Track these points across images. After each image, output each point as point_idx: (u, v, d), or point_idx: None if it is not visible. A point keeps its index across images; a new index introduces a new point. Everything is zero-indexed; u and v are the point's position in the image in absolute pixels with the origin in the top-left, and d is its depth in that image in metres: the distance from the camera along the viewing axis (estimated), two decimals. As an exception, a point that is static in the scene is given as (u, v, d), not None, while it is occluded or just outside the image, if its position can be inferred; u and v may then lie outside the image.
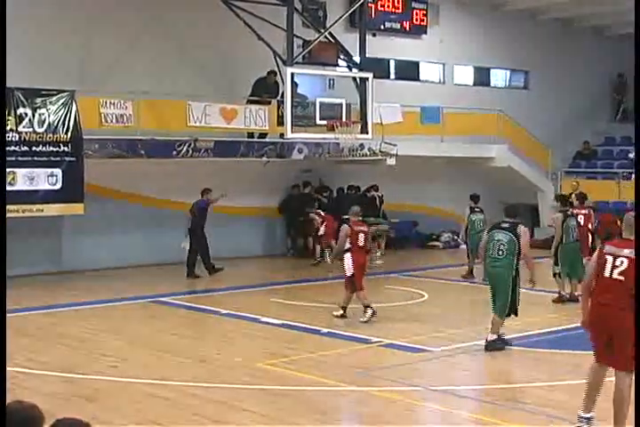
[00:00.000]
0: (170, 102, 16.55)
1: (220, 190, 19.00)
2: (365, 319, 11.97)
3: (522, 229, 10.39)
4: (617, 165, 24.75)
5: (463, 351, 10.43)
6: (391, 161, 19.22)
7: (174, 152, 16.37)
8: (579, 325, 11.91)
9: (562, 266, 13.99)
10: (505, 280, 10.40)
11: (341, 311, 12.28)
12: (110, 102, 15.62)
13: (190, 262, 16.59)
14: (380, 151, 18.95)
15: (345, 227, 12.20)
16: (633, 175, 23.70)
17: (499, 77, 25.26)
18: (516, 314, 10.59)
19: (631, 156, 24.30)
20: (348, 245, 12.08)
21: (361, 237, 12.01)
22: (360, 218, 12.53)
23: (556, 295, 13.91)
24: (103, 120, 15.58)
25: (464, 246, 21.47)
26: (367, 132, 17.53)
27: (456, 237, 22.18)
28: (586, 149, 26.45)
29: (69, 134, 15.01)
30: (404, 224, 21.82)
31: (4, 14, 8.77)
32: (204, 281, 16.16)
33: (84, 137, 15.22)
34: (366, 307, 12.08)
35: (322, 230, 18.10)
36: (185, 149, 16.45)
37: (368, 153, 18.86)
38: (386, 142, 18.91)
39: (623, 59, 27.36)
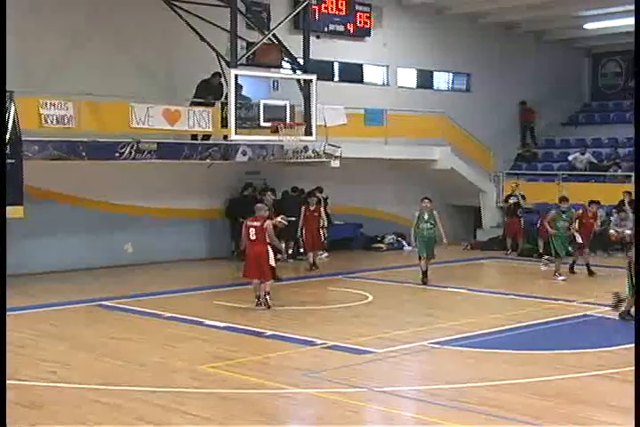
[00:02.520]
0: (112, 104, 16.35)
1: (166, 192, 18.94)
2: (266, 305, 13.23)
3: None
4: (557, 167, 25.16)
5: (407, 352, 10.47)
6: (335, 163, 19.27)
7: (117, 154, 16.17)
8: (520, 325, 12.18)
9: None
10: None
11: (256, 300, 13.32)
12: (51, 103, 15.38)
13: None
14: (325, 153, 18.99)
15: (244, 224, 13.57)
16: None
17: (441, 80, 25.48)
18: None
19: (570, 158, 24.71)
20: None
21: (252, 231, 13.23)
22: (260, 215, 13.42)
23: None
24: (43, 121, 15.33)
25: (409, 248, 21.62)
26: (311, 134, 17.55)
27: (399, 239, 22.32)
28: (527, 151, 26.85)
29: (7, 136, 14.71)
30: (349, 226, 21.87)
31: (3, 15, 8.57)
32: (147, 284, 15.98)
33: (24, 138, 14.95)
34: (266, 293, 13.25)
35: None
36: (127, 150, 16.26)
37: (312, 155, 18.88)
38: (330, 144, 18.95)
39: (561, 63, 27.90)
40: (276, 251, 13.59)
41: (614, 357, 10.22)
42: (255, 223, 13.32)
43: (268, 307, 13.15)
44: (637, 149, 16.87)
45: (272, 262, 13.34)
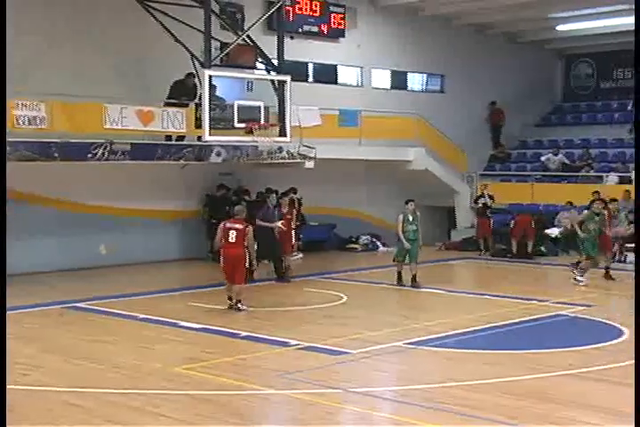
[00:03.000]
0: (85, 104, 16.23)
1: (140, 193, 18.85)
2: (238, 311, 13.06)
3: None
4: (530, 168, 25.32)
5: (382, 353, 10.48)
6: (310, 164, 19.26)
7: (90, 155, 16.06)
8: (494, 325, 12.24)
9: None
10: None
11: (228, 302, 13.23)
12: (23, 104, 15.24)
13: (280, 270, 16.66)
14: (299, 154, 18.97)
15: (220, 225, 13.30)
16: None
17: (416, 81, 25.56)
18: None
19: (542, 159, 24.88)
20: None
21: (232, 233, 12.96)
22: (240, 217, 13.22)
23: None
24: (15, 122, 15.19)
25: (384, 249, 21.79)
26: (285, 135, 17.51)
27: (374, 240, 22.39)
28: (500, 152, 26.99)
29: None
30: (323, 227, 21.87)
31: (4, 14, 8.48)
32: (121, 286, 15.89)
33: (-5, 139, 14.80)
34: (237, 302, 13.10)
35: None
36: (101, 151, 16.15)
37: (287, 156, 18.85)
38: (304, 145, 18.94)
39: (534, 64, 28.10)
40: (250, 256, 13.27)
41: (585, 356, 10.29)
42: (236, 226, 13.04)
43: (240, 310, 13.11)
44: (637, 149, 16.90)
45: (247, 265, 13.24)
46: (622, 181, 22.58)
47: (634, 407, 6.37)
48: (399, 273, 16.14)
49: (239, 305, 13.10)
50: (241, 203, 19.29)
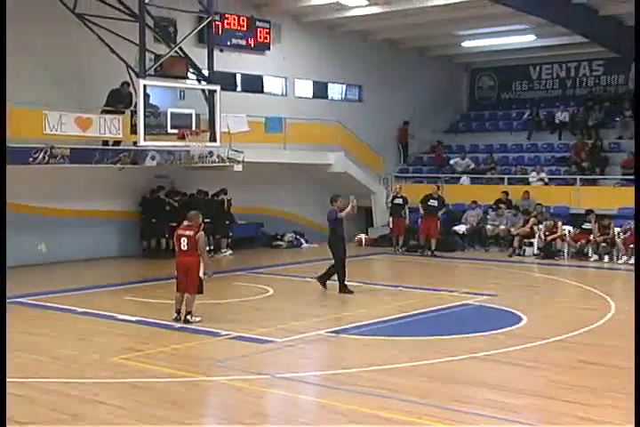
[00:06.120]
0: (26, 111, 15.86)
1: (79, 195, 18.52)
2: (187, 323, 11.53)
3: None
4: (440, 171, 25.69)
5: (305, 341, 10.54)
6: (238, 167, 19.25)
7: (31, 159, 15.75)
8: (408, 314, 12.40)
9: None
10: None
11: (175, 314, 11.74)
12: (-34, 110, 14.81)
13: (325, 275, 14.74)
14: (228, 158, 18.93)
15: (175, 233, 11.85)
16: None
17: (335, 91, 25.73)
18: None
19: (451, 162, 25.30)
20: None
21: (183, 241, 11.50)
22: (193, 223, 11.67)
23: None
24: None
25: (307, 245, 21.98)
26: (216, 141, 17.49)
27: (298, 237, 22.44)
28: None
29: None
30: (251, 225, 21.85)
31: (4, 15, 8.20)
32: (59, 282, 15.58)
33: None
34: (187, 313, 11.58)
35: None
36: (41, 155, 15.86)
37: (217, 160, 18.79)
38: (233, 150, 18.90)
39: (443, 77, 28.56)
40: (205, 264, 11.65)
41: (489, 341, 10.53)
42: (187, 233, 11.53)
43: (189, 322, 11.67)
44: (637, 149, 17.10)
45: (201, 274, 11.63)
46: (521, 181, 23.17)
47: (634, 408, 6.37)
48: None
49: (188, 317, 11.55)
50: (173, 205, 19.30)
